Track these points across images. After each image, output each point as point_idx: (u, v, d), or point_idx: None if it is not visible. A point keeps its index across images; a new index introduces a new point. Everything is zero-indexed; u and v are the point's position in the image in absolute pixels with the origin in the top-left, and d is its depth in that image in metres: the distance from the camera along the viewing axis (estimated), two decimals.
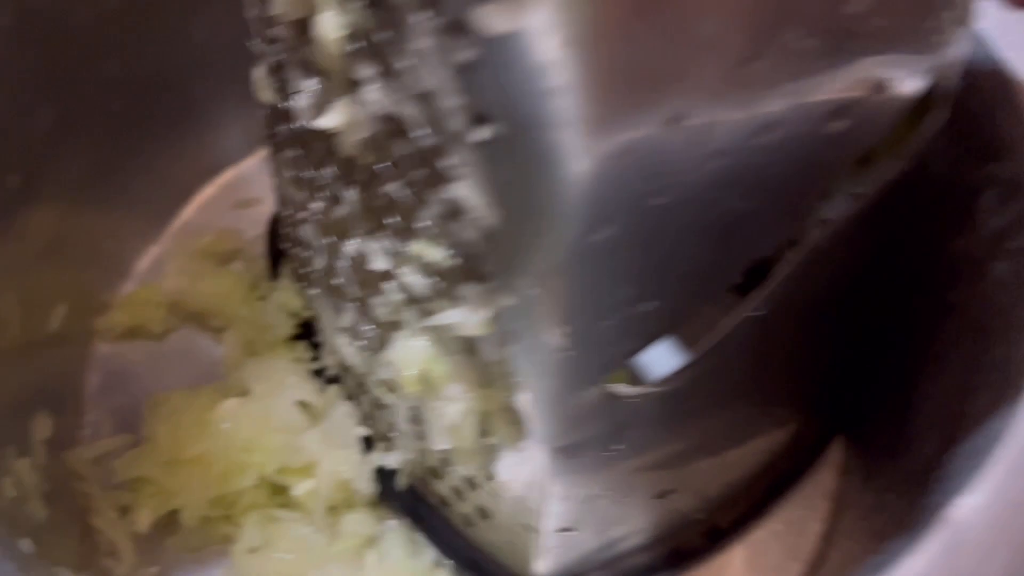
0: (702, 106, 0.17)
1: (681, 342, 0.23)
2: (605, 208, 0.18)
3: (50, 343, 0.35)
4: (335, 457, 0.33)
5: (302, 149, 0.29)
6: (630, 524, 0.30)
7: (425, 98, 0.19)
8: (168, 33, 0.37)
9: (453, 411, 0.24)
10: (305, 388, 0.34)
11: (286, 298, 0.36)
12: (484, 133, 0.18)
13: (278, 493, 0.34)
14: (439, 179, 0.20)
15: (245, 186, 0.44)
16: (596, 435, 0.25)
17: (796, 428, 0.34)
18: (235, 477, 0.33)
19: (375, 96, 0.21)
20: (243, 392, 0.35)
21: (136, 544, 0.34)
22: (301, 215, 0.32)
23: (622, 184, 0.18)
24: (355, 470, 0.33)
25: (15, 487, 0.27)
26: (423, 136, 0.20)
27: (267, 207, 0.43)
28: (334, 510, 0.33)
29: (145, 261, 0.41)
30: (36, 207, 0.34)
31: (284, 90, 0.28)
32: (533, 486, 0.27)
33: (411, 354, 0.25)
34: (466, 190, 0.19)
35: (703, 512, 0.33)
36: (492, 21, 0.16)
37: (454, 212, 0.20)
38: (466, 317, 0.22)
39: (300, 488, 0.33)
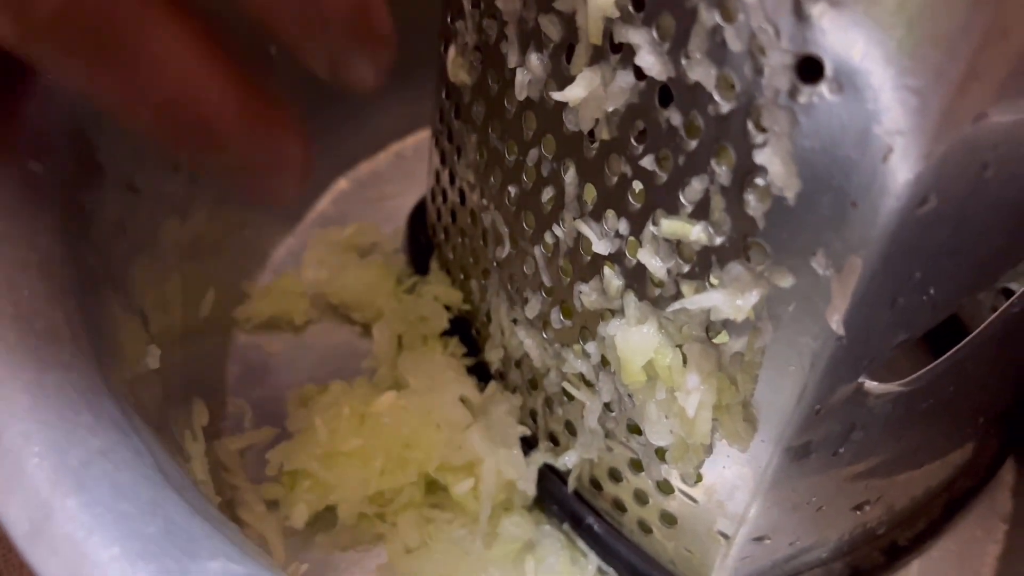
0: None
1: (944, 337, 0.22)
2: (938, 180, 0.17)
3: (201, 330, 0.34)
4: (499, 456, 0.31)
5: (497, 130, 0.28)
6: (821, 536, 0.29)
7: (731, 57, 0.18)
8: None
9: (690, 404, 0.22)
10: (466, 383, 0.33)
11: (441, 290, 0.35)
12: (809, 93, 0.17)
13: (431, 492, 0.33)
14: (720, 150, 0.19)
15: (377, 181, 0.43)
16: (827, 436, 0.24)
17: (977, 443, 0.32)
18: (395, 473, 0.31)
19: (650, 61, 0.20)
20: (398, 386, 0.34)
21: (285, 539, 0.32)
22: (473, 202, 0.31)
23: (963, 156, 0.16)
24: (519, 470, 0.31)
25: (201, 471, 0.26)
26: (710, 102, 0.19)
27: (400, 202, 0.42)
28: (492, 512, 0.32)
29: (281, 252, 0.40)
30: (198, 186, 0.33)
31: (488, 68, 0.27)
32: (741, 489, 0.25)
33: (638, 342, 0.23)
34: (768, 158, 0.18)
35: (886, 527, 0.31)
36: None
37: (737, 186, 0.19)
38: (727, 302, 0.20)
39: (461, 487, 0.32)
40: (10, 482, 0.17)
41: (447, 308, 0.35)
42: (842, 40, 0.16)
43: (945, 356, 0.22)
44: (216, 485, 0.31)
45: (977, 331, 0.22)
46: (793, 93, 0.17)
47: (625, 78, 0.21)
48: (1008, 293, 0.24)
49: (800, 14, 0.16)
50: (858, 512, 0.29)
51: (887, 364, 0.23)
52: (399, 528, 0.32)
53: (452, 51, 0.29)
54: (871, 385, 0.22)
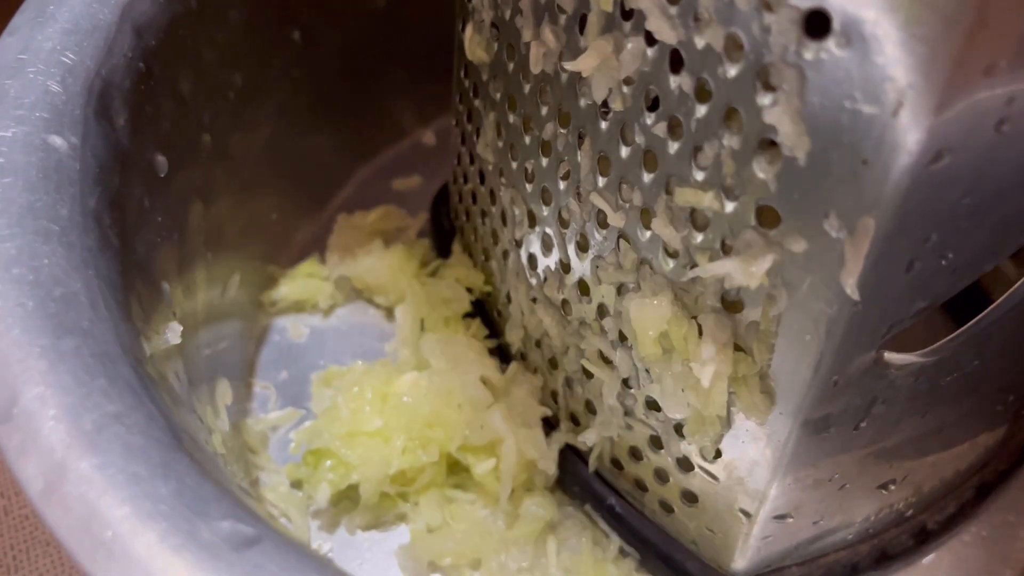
0: None
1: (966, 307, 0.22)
2: (951, 136, 0.16)
3: (227, 313, 0.34)
4: (520, 436, 0.31)
5: (513, 107, 0.28)
6: (845, 516, 0.28)
7: (739, 16, 0.18)
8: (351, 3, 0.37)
9: (705, 375, 0.22)
10: (487, 364, 0.33)
11: (462, 273, 0.35)
12: (816, 49, 0.16)
13: (454, 472, 0.33)
14: (731, 113, 0.19)
15: (400, 167, 0.44)
16: (846, 410, 0.23)
17: (1010, 425, 0.32)
18: (416, 452, 0.31)
19: (660, 26, 0.19)
20: (420, 367, 0.34)
21: (309, 519, 0.32)
22: (492, 182, 0.31)
23: (977, 110, 0.16)
24: (540, 450, 0.31)
25: (221, 445, 0.26)
26: (720, 64, 0.19)
27: (423, 187, 0.42)
28: (513, 493, 0.32)
29: (307, 236, 0.40)
30: (223, 171, 0.33)
31: (503, 44, 0.27)
32: (761, 465, 0.25)
33: (652, 314, 0.23)
34: (777, 118, 0.18)
35: (914, 509, 0.30)
36: None
37: (748, 149, 0.19)
38: (740, 268, 0.20)
39: (482, 467, 0.32)
40: (26, 443, 0.17)
41: (469, 290, 0.35)
42: None
43: (967, 325, 0.22)
44: (242, 465, 0.32)
45: (1001, 299, 0.21)
46: (800, 49, 0.17)
47: (637, 45, 0.21)
48: None
49: None
50: (884, 492, 0.28)
51: (908, 334, 0.22)
52: (421, 508, 0.32)
53: (469, 29, 0.29)
54: (891, 356, 0.22)
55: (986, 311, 0.22)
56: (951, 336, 0.22)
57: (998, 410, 0.28)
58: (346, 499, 0.33)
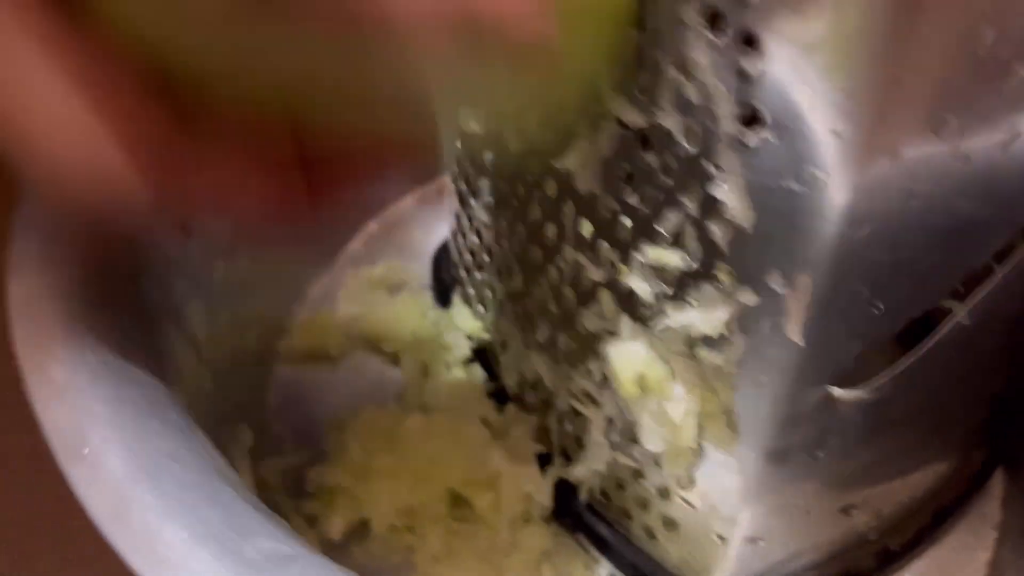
0: (964, 113, 0.19)
1: (898, 347, 0.25)
2: (868, 208, 0.20)
3: (247, 361, 0.37)
4: (517, 471, 0.34)
5: (504, 174, 0.31)
6: (812, 538, 0.31)
7: (692, 108, 0.21)
8: None
9: (677, 412, 0.25)
10: (486, 406, 0.36)
11: (462, 321, 0.38)
12: (754, 137, 0.20)
13: (458, 506, 0.36)
14: (689, 187, 0.22)
15: (404, 222, 0.47)
16: (804, 440, 0.26)
17: (961, 454, 0.35)
18: (422, 488, 0.34)
19: (627, 113, 0.23)
20: (424, 410, 0.37)
21: (324, 552, 0.35)
22: (488, 240, 0.35)
23: (887, 187, 0.19)
24: (536, 484, 0.34)
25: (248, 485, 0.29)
26: (679, 146, 0.22)
27: (425, 242, 0.45)
28: (512, 523, 0.35)
29: (317, 289, 0.43)
30: (240, 233, 0.36)
31: None
32: (731, 492, 0.28)
33: (630, 358, 0.26)
34: (725, 194, 0.21)
35: (877, 532, 0.33)
36: (785, 35, 0.18)
37: (703, 217, 0.22)
38: (703, 318, 0.24)
39: (483, 500, 0.35)
40: (93, 477, 0.21)
41: (469, 338, 0.39)
42: (777, 94, 0.19)
43: (893, 365, 0.25)
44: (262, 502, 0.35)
45: (918, 346, 0.25)
46: (742, 138, 0.20)
47: (611, 128, 0.24)
48: None
49: (743, 74, 0.19)
50: (846, 516, 0.31)
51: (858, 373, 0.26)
52: (427, 539, 0.35)
53: None
54: (839, 392, 0.25)
55: (906, 356, 0.25)
56: (882, 374, 0.25)
57: (943, 442, 0.32)
58: (357, 533, 0.35)
